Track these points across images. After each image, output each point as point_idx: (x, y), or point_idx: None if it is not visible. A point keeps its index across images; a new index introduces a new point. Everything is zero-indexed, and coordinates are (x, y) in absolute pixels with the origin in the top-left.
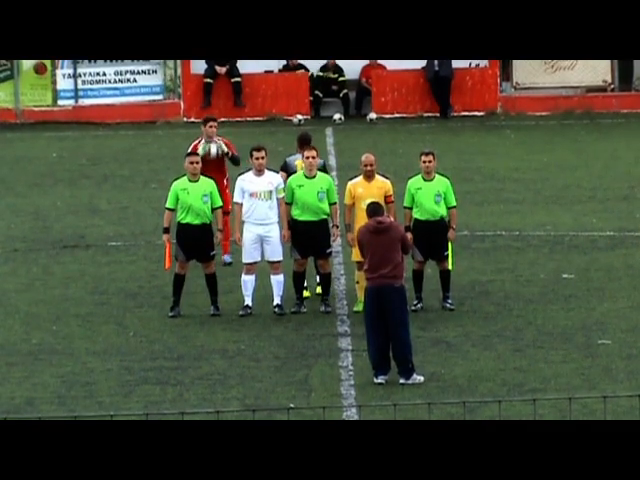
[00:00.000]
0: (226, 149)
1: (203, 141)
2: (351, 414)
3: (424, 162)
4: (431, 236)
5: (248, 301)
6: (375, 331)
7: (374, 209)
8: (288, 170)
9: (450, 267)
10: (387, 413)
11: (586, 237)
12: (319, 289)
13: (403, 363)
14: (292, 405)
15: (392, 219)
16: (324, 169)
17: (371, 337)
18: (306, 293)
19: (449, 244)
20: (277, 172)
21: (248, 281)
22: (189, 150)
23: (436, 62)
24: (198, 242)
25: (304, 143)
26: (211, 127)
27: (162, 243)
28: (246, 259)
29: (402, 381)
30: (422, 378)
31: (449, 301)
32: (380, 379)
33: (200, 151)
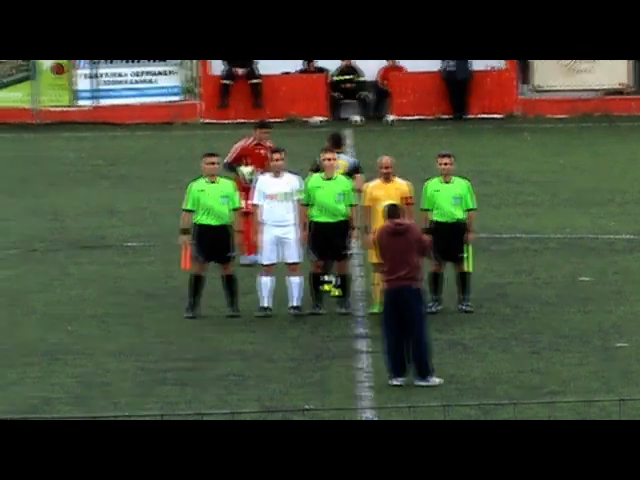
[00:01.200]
0: (250, 177)
1: (254, 143)
2: (367, 416)
3: (441, 164)
4: (449, 238)
5: (265, 302)
6: (392, 333)
7: (392, 211)
8: (319, 171)
9: (470, 269)
10: (403, 415)
11: (604, 240)
12: (328, 287)
13: (421, 365)
14: (308, 407)
15: (410, 221)
16: (357, 169)
17: (388, 339)
18: (327, 287)
19: (467, 246)
20: (296, 174)
21: (266, 282)
22: (232, 157)
23: (451, 64)
24: (217, 243)
25: (335, 143)
26: (263, 133)
27: (180, 244)
28: (264, 260)
29: (417, 383)
30: (439, 380)
31: (467, 303)
32: (396, 381)
33: (247, 176)
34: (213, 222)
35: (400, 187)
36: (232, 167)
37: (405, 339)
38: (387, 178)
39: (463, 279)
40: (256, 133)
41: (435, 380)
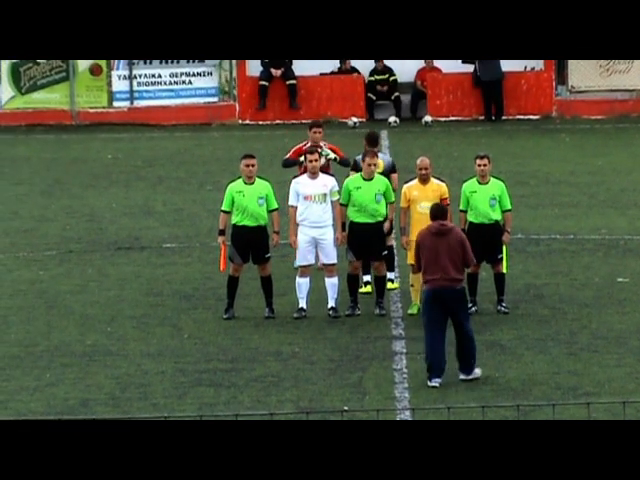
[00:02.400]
0: (333, 155)
1: (309, 145)
2: (405, 417)
3: (479, 165)
4: (485, 239)
5: (302, 303)
6: (433, 333)
7: (437, 211)
8: (359, 170)
9: (505, 270)
10: (441, 415)
11: None
12: (369, 288)
13: (467, 360)
14: (346, 408)
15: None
16: (394, 169)
17: (429, 339)
18: (366, 289)
19: (504, 247)
20: (332, 175)
21: (303, 283)
22: (288, 155)
23: (478, 66)
24: (254, 244)
25: (371, 142)
26: (316, 133)
27: (217, 245)
28: (300, 262)
29: (462, 377)
30: (480, 371)
31: (503, 304)
32: (434, 382)
33: (322, 160)
34: (250, 223)
35: (438, 188)
36: (293, 161)
37: (445, 339)
38: (424, 179)
39: (499, 280)
40: (310, 135)
41: (477, 372)
